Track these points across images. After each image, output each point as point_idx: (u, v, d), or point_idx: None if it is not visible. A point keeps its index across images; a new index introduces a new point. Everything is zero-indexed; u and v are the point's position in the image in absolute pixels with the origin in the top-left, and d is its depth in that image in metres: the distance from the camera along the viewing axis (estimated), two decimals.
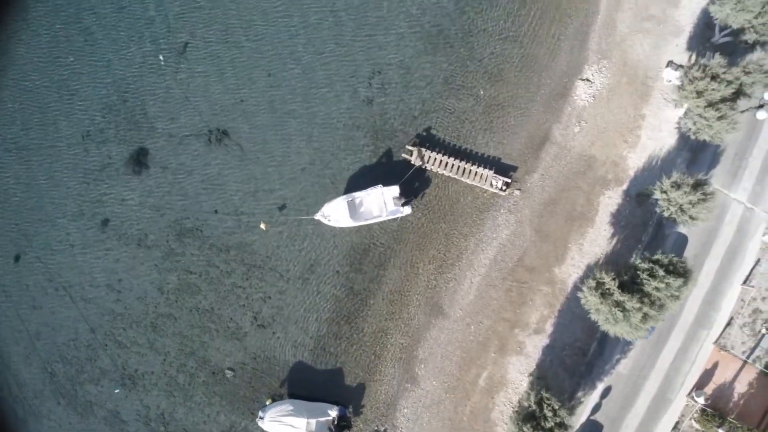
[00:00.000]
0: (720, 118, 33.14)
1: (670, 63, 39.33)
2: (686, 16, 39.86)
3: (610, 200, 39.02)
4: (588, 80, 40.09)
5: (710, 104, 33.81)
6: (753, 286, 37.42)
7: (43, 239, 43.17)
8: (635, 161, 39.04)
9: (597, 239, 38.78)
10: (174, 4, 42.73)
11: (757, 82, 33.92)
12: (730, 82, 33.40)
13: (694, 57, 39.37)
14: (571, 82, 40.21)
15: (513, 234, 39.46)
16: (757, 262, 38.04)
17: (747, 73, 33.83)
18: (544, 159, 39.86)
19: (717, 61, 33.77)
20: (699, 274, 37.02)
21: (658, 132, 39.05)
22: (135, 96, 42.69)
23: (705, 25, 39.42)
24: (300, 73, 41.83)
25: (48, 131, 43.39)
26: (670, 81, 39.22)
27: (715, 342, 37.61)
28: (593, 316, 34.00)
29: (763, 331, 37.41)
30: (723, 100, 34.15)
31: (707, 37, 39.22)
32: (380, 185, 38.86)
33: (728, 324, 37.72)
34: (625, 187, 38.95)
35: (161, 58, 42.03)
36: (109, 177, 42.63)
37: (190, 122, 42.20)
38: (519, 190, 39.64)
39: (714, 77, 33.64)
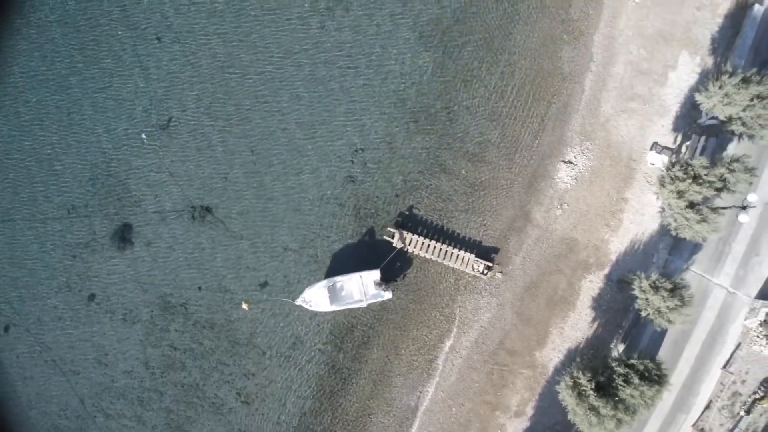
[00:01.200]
0: (701, 221, 32.48)
1: (654, 145, 38.46)
2: (673, 96, 38.85)
3: (592, 284, 38.55)
4: (570, 162, 39.29)
5: (691, 205, 33.12)
6: (732, 372, 37.15)
7: (31, 311, 43.16)
8: (617, 245, 38.45)
9: (578, 323, 38.41)
10: (158, 80, 41.98)
11: (740, 181, 33.13)
12: (712, 183, 32.65)
13: (679, 138, 38.49)
14: (554, 163, 39.45)
15: (494, 317, 39.14)
16: (738, 346, 37.65)
17: (731, 171, 33.03)
18: (526, 242, 39.32)
19: (699, 161, 32.92)
20: (678, 361, 36.83)
21: (641, 216, 38.37)
22: (119, 171, 42.27)
23: (692, 106, 38.41)
24: (284, 150, 41.21)
25: (34, 204, 43.16)
26: (654, 164, 38.41)
27: (693, 425, 37.49)
28: (570, 416, 33.85)
29: (742, 413, 37.21)
30: (705, 199, 33.47)
31: (694, 118, 38.29)
32: (361, 271, 38.69)
33: (707, 407, 37.56)
34: (606, 271, 38.44)
35: (144, 137, 41.53)
36: (94, 252, 42.49)
37: (174, 199, 41.85)
38: (501, 272, 39.19)
39: (696, 177, 32.88)
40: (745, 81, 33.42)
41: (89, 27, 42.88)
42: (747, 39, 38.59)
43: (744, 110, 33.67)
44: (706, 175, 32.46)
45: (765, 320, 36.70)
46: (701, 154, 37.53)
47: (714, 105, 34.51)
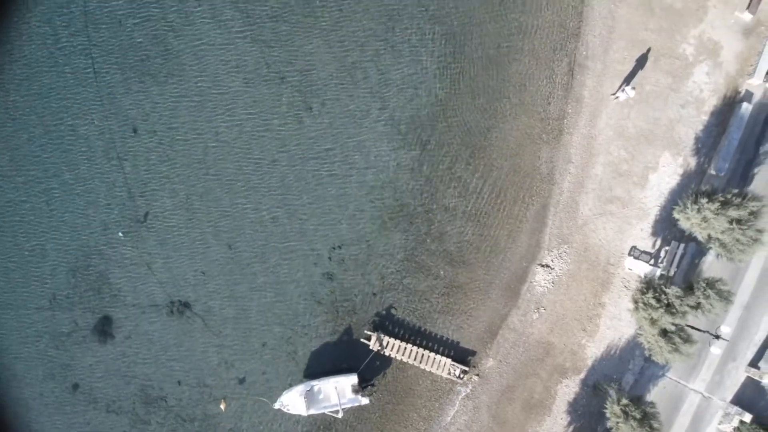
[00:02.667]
0: (673, 351, 31.90)
1: (632, 249, 37.66)
2: (653, 199, 37.84)
3: (568, 389, 38.16)
4: (548, 266, 38.52)
5: (664, 332, 32.50)
6: None
7: (17, 398, 43.45)
8: (594, 350, 37.90)
9: (553, 428, 38.11)
10: (135, 174, 41.26)
11: (715, 308, 32.40)
12: (685, 312, 31.98)
13: (658, 243, 37.63)
14: (531, 267, 38.66)
15: (471, 419, 38.86)
16: None
17: (706, 297, 32.31)
18: (503, 345, 38.83)
19: (674, 291, 32.15)
20: None
21: (618, 321, 37.73)
22: (98, 264, 41.72)
23: (672, 209, 37.55)
24: (262, 246, 40.56)
25: (16, 294, 42.92)
26: (632, 269, 37.65)
27: None
28: None
29: None
30: (678, 329, 32.82)
31: (673, 221, 37.36)
32: (339, 376, 38.45)
33: None
34: (582, 376, 37.99)
35: (121, 234, 40.96)
36: (76, 343, 42.25)
37: (152, 293, 41.40)
38: (477, 375, 38.84)
39: (669, 306, 32.18)
40: (725, 204, 32.44)
41: (65, 118, 42.09)
42: (733, 140, 37.31)
43: (723, 233, 32.79)
44: (680, 305, 31.79)
45: (738, 427, 36.40)
46: (680, 261, 36.75)
47: (692, 225, 33.63)
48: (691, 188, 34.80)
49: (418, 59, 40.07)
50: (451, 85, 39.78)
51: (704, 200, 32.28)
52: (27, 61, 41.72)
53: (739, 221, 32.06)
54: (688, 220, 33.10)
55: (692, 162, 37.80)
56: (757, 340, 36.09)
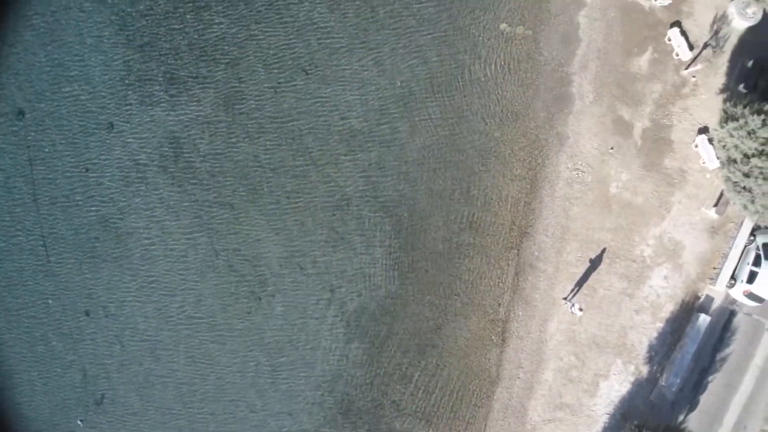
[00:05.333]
0: None
1: None
2: (602, 407, 36.50)
3: None
4: None
5: None
6: None
7: None
8: None
9: None
10: (88, 356, 40.88)
11: None
12: None
13: None
14: None
15: None
16: None
17: None
18: None
19: None
20: None
21: None
22: None
23: (622, 417, 36.35)
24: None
25: None
26: None
27: None
28: None
29: None
30: None
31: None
32: None
33: None
34: None
35: (79, 422, 40.95)
36: None
37: None
38: None
39: None
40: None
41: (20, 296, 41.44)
42: (687, 354, 35.50)
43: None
44: None
45: None
46: None
47: None
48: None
49: (368, 251, 38.06)
50: (402, 279, 38.04)
51: None
52: None
53: None
54: None
55: (644, 370, 36.23)
56: None
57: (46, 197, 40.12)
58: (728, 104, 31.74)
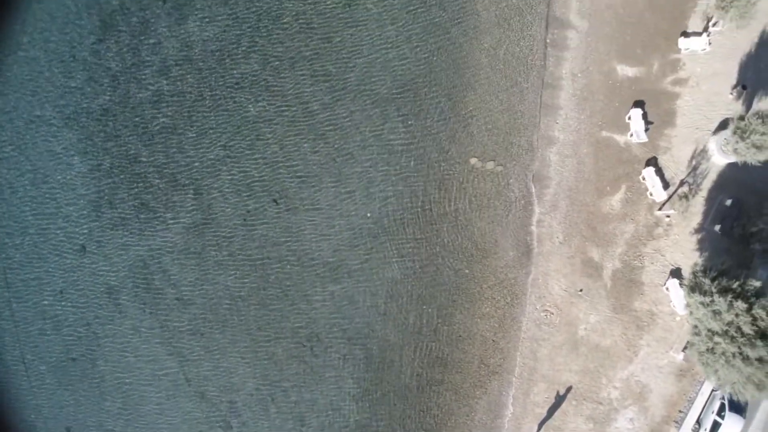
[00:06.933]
0: None
1: None
2: None
3: None
4: None
5: None
6: None
7: None
8: None
9: None
10: None
11: None
12: None
13: None
14: None
15: None
16: None
17: None
18: None
19: None
20: None
21: None
22: None
23: None
24: None
25: None
26: None
27: None
28: None
29: None
30: None
31: None
32: None
33: None
34: None
35: None
36: None
37: None
38: None
39: None
40: None
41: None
42: None
43: None
44: None
45: None
46: None
47: None
48: None
49: (338, 383, 37.76)
50: (372, 412, 37.68)
51: None
52: None
53: None
54: None
55: None
56: None
57: (22, 318, 40.05)
58: (698, 271, 30.75)
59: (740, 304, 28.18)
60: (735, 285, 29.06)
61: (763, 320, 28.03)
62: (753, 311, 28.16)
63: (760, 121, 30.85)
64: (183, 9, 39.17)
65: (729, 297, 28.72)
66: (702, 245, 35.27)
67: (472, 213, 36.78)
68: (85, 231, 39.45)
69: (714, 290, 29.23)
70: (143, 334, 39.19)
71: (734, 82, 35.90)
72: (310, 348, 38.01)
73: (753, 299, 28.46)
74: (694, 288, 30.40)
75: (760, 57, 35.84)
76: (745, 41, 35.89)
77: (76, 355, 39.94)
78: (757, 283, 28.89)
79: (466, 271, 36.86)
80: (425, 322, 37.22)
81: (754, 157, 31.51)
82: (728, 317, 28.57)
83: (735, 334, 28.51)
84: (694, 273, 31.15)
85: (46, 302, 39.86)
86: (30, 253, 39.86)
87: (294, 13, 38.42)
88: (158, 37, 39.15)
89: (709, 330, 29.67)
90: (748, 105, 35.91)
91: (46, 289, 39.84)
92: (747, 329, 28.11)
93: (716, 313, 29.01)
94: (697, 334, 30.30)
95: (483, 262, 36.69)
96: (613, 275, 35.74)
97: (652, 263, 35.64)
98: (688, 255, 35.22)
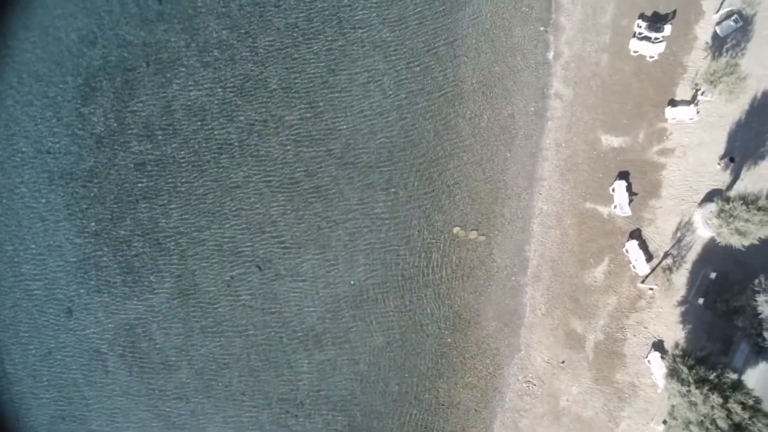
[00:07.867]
0: None
1: None
2: None
3: None
4: None
5: None
6: None
7: None
8: None
9: None
10: None
11: None
12: None
13: None
14: None
15: None
16: None
17: None
18: None
19: None
20: None
21: None
22: None
23: None
24: None
25: None
26: None
27: None
28: None
29: None
30: None
31: None
32: None
33: None
34: None
35: None
36: None
37: None
38: None
39: None
40: None
41: None
42: None
43: None
44: None
45: None
46: None
47: None
48: None
49: None
50: None
51: None
52: None
53: None
54: None
55: None
56: None
57: (16, 380, 40.38)
58: (677, 356, 30.66)
59: (716, 398, 28.11)
60: (712, 376, 28.96)
61: (737, 414, 27.98)
62: (728, 405, 28.10)
63: (744, 207, 30.52)
64: (166, 72, 38.94)
65: (705, 389, 28.65)
66: (685, 318, 35.15)
67: (455, 282, 36.73)
68: (73, 294, 39.58)
69: (691, 380, 29.16)
70: (130, 396, 39.45)
71: (722, 152, 35.52)
72: (294, 415, 38.22)
73: (729, 392, 28.39)
74: (672, 374, 30.34)
75: (750, 126, 35.44)
76: (734, 110, 35.46)
77: (66, 415, 40.28)
78: (734, 376, 28.78)
79: (449, 340, 36.90)
80: (408, 390, 37.33)
81: (738, 242, 31.26)
82: (704, 409, 28.53)
83: (710, 427, 28.49)
84: (673, 357, 31.06)
85: (35, 364, 40.10)
86: (18, 313, 40.07)
87: (278, 78, 38.14)
88: (142, 100, 38.98)
89: (685, 418, 29.66)
90: (736, 176, 35.58)
91: (32, 350, 40.06)
92: (721, 423, 28.08)
93: (692, 404, 28.98)
94: (675, 418, 30.29)
95: (465, 332, 36.72)
96: (596, 347, 35.72)
97: (635, 335, 35.58)
98: (671, 327, 35.12)
